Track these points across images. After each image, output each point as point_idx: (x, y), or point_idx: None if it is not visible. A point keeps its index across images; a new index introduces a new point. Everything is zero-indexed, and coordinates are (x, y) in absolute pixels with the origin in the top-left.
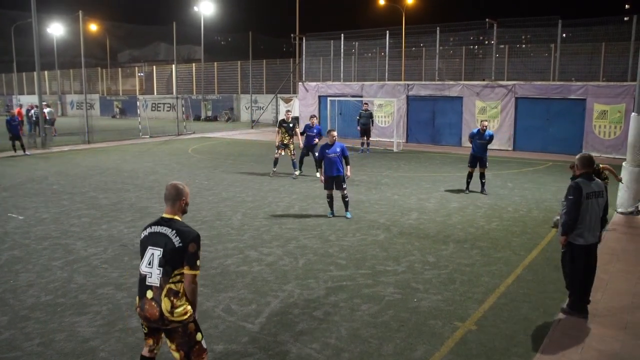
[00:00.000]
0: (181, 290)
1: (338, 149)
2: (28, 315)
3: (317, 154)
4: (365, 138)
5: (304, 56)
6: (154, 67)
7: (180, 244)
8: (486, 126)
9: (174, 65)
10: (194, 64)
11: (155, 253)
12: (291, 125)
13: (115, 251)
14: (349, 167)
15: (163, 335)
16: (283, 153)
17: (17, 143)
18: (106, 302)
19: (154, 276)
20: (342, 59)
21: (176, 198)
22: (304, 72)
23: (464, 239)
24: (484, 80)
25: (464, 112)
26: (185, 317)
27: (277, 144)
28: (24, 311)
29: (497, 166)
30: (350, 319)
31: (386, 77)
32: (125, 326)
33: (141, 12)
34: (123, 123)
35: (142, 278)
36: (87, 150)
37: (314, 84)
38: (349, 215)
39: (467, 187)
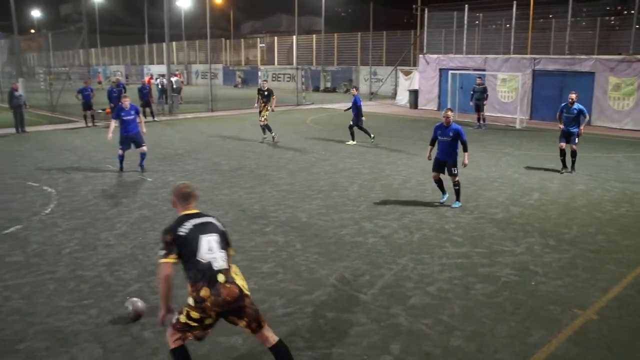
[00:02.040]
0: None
1: (451, 134)
2: (154, 271)
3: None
4: (479, 113)
5: (425, 28)
6: (275, 38)
7: (224, 228)
8: (573, 99)
9: (294, 37)
10: (314, 35)
11: (212, 239)
12: (266, 93)
13: (235, 215)
14: (466, 154)
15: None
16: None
17: (147, 110)
18: None
19: (219, 260)
20: (465, 31)
21: (194, 196)
22: (425, 44)
23: (588, 223)
24: (620, 54)
25: (595, 88)
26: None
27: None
28: (151, 267)
29: (630, 148)
30: (464, 297)
31: (511, 50)
32: None
33: None
34: (244, 92)
35: (207, 266)
36: (210, 117)
37: (434, 56)
38: (455, 205)
39: (564, 166)
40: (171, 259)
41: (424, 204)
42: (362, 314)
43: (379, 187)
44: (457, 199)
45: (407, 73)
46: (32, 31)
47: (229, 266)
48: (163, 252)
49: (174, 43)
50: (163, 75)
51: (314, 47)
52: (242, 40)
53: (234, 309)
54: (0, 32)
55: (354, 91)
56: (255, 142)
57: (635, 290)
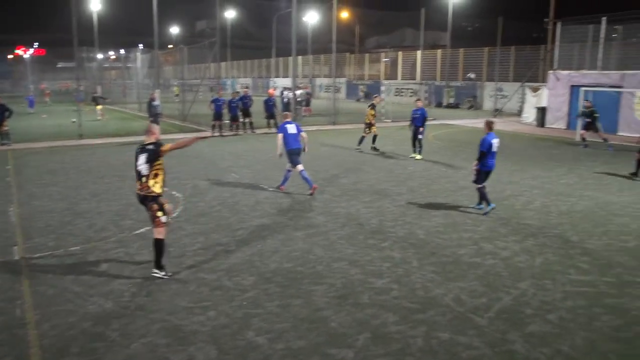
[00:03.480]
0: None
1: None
2: (271, 278)
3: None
4: (588, 132)
5: (557, 42)
6: (399, 52)
7: (154, 149)
8: None
9: (419, 51)
10: (439, 50)
11: (142, 156)
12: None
13: (352, 229)
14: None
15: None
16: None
17: (272, 121)
18: (340, 276)
19: (143, 169)
20: (601, 45)
21: (150, 133)
22: (555, 59)
23: None
24: None
25: None
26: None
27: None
28: (268, 274)
29: None
30: (587, 328)
31: None
32: (355, 301)
33: None
34: (366, 106)
35: (137, 171)
36: (332, 130)
37: (566, 72)
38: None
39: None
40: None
41: (548, 227)
42: (476, 338)
43: (500, 207)
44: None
45: (535, 89)
46: (170, 46)
47: (149, 173)
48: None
49: (299, 57)
50: (289, 89)
51: (439, 62)
52: (367, 54)
53: (142, 198)
54: (143, 48)
55: (419, 103)
56: (375, 157)
57: None
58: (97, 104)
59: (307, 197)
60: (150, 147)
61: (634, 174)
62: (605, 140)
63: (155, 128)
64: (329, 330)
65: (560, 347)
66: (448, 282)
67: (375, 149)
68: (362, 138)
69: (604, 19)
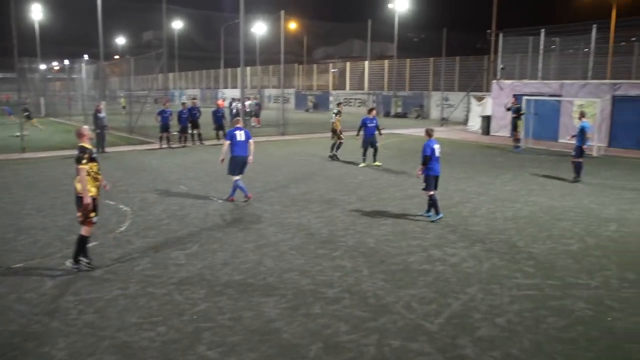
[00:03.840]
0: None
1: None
2: (222, 291)
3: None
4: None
5: (499, 53)
6: (347, 63)
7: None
8: None
9: (366, 62)
10: (386, 61)
11: None
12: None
13: (303, 239)
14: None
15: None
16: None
17: (220, 132)
18: (291, 286)
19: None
20: (540, 56)
21: (80, 135)
22: (498, 69)
23: None
24: None
25: None
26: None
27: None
28: (219, 287)
29: None
30: (534, 330)
31: (589, 75)
32: (307, 312)
33: (338, 11)
34: (315, 117)
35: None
36: (281, 141)
37: (509, 82)
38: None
39: None
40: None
41: (494, 232)
42: (427, 344)
43: (448, 214)
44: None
45: (479, 99)
46: (116, 57)
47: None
48: (85, 161)
49: (248, 68)
50: (238, 99)
51: (386, 72)
52: (315, 65)
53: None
54: (88, 59)
55: (374, 112)
56: (325, 166)
57: None
58: (30, 118)
59: (256, 208)
60: (77, 151)
61: (576, 178)
62: (516, 140)
63: (85, 130)
64: (281, 341)
65: (509, 350)
66: (398, 290)
67: (334, 157)
68: (335, 145)
69: (542, 31)
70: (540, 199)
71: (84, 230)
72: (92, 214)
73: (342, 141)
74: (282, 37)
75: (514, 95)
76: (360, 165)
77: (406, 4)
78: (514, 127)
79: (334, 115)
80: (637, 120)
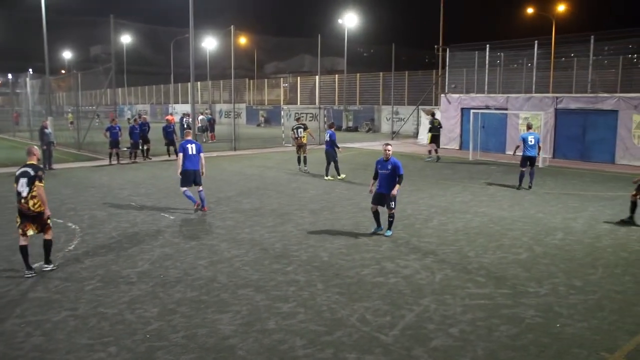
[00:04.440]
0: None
1: (389, 167)
2: (175, 309)
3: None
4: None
5: (447, 67)
6: (298, 78)
7: (33, 174)
8: None
9: (317, 77)
10: (336, 75)
11: (23, 180)
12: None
13: (257, 254)
14: (398, 186)
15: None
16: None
17: (171, 148)
18: (246, 302)
19: (24, 191)
20: (486, 70)
21: (31, 154)
22: (446, 83)
23: (614, 263)
24: None
25: (619, 126)
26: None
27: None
28: (172, 305)
29: None
30: (487, 339)
31: (533, 89)
32: (262, 327)
33: (288, 26)
34: (267, 131)
35: (18, 193)
36: (233, 156)
37: (456, 95)
38: (388, 234)
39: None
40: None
41: (446, 243)
42: (382, 356)
43: (400, 226)
44: (389, 228)
45: (428, 112)
46: (63, 71)
47: (28, 194)
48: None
49: (198, 83)
50: (188, 115)
51: (337, 86)
52: (266, 80)
53: (32, 217)
54: (33, 73)
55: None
56: (277, 181)
57: None
58: None
59: (209, 224)
60: (30, 171)
61: (529, 186)
62: (430, 152)
63: (35, 149)
64: (237, 358)
65: None
66: (353, 303)
67: (305, 171)
68: (301, 158)
69: (487, 46)
70: (490, 209)
71: (48, 235)
72: (49, 221)
73: (304, 154)
74: (232, 51)
75: (433, 112)
76: (328, 179)
77: (355, 20)
78: (432, 139)
79: (301, 130)
80: (579, 133)
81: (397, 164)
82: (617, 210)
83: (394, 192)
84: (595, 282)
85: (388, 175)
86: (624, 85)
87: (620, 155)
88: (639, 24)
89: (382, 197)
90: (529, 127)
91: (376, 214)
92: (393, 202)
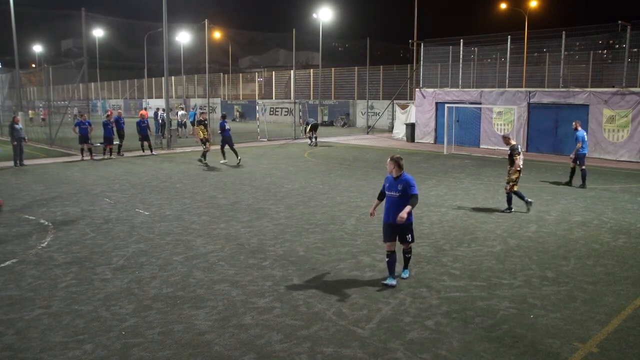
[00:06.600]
0: None
1: (400, 187)
2: (151, 305)
3: None
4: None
5: (421, 62)
6: (273, 72)
7: None
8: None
9: (292, 71)
10: (311, 70)
11: None
12: (205, 122)
13: (232, 249)
14: (408, 207)
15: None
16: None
17: (146, 143)
18: (222, 297)
19: None
20: (460, 65)
21: None
22: (421, 78)
23: (586, 255)
24: (613, 87)
25: (590, 120)
26: None
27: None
28: (147, 301)
29: (626, 179)
30: (462, 331)
31: (506, 83)
32: (239, 322)
33: (262, 20)
34: (242, 126)
35: None
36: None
37: (431, 90)
38: (404, 275)
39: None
40: None
41: (421, 237)
42: (359, 349)
43: (376, 220)
44: (406, 267)
45: (403, 107)
46: (33, 66)
47: None
48: None
49: (172, 77)
50: (163, 109)
51: (312, 81)
52: (241, 74)
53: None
54: (1, 67)
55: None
56: (253, 176)
57: (635, 322)
58: None
59: (185, 220)
60: None
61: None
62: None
63: None
64: (213, 354)
65: (438, 352)
66: (329, 297)
67: (203, 162)
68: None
69: (461, 41)
70: (465, 203)
71: None
72: None
73: (208, 149)
74: (206, 46)
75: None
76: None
77: (330, 14)
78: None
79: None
80: (551, 127)
81: (409, 183)
82: (589, 203)
83: (403, 214)
84: (568, 273)
85: (398, 200)
86: (595, 80)
87: (592, 149)
88: (608, 20)
89: (395, 229)
90: (578, 124)
91: (392, 258)
92: (410, 235)
